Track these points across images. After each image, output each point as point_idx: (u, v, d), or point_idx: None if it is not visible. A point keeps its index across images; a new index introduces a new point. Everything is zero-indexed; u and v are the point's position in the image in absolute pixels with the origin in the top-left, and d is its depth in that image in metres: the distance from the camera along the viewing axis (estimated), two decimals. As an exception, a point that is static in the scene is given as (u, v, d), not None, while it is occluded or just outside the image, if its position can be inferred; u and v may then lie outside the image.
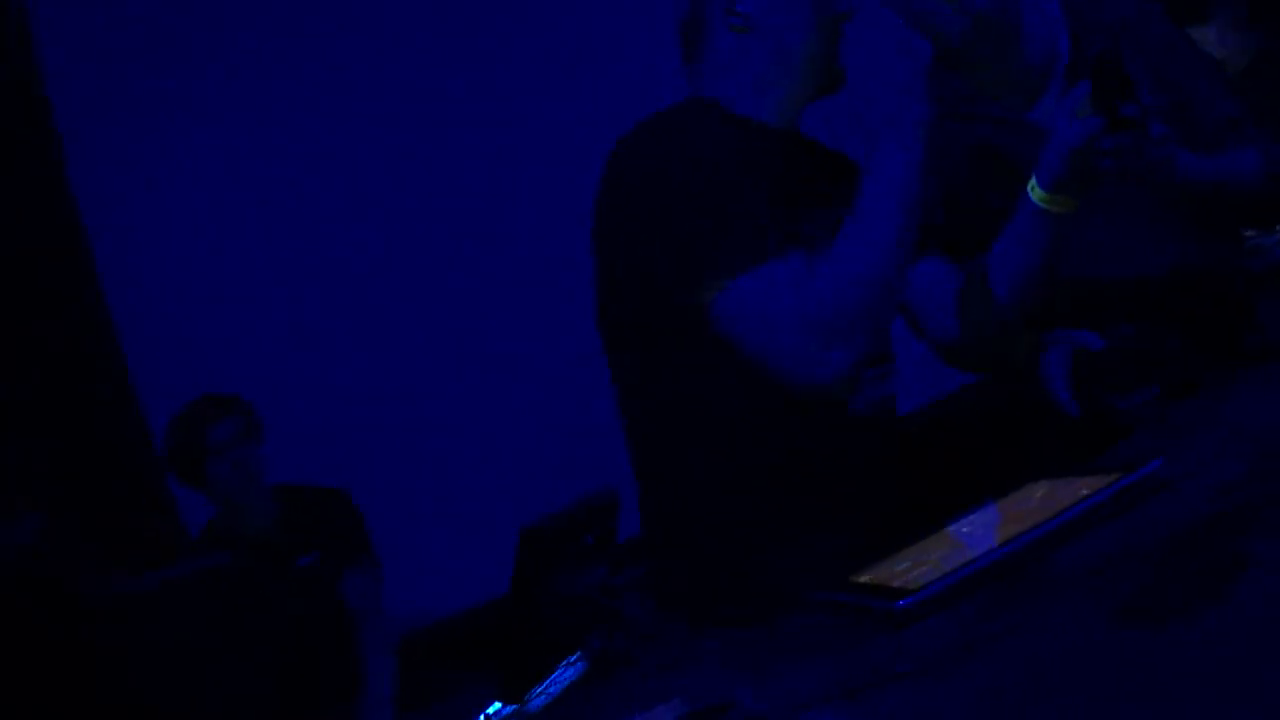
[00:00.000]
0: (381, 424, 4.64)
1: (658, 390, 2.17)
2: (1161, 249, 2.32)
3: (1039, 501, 1.54)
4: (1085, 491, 1.44)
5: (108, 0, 4.63)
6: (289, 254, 4.71)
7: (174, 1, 4.71)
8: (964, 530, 1.58)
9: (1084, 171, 2.02)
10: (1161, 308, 2.29)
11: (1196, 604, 1.07)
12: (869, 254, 1.94)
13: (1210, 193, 2.25)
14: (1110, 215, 2.25)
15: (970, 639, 1.23)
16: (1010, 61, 2.36)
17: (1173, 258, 2.33)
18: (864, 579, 1.55)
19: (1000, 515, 1.57)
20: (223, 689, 1.92)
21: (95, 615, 1.74)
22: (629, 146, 2.11)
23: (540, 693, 2.16)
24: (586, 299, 2.27)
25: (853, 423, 2.11)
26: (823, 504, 2.09)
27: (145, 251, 4.54)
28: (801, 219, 2.10)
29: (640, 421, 2.24)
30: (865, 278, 1.93)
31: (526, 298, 4.78)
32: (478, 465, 4.60)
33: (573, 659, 2.18)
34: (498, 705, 2.27)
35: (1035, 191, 2.08)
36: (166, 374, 4.02)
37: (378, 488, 4.18)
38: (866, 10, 2.22)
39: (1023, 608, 1.26)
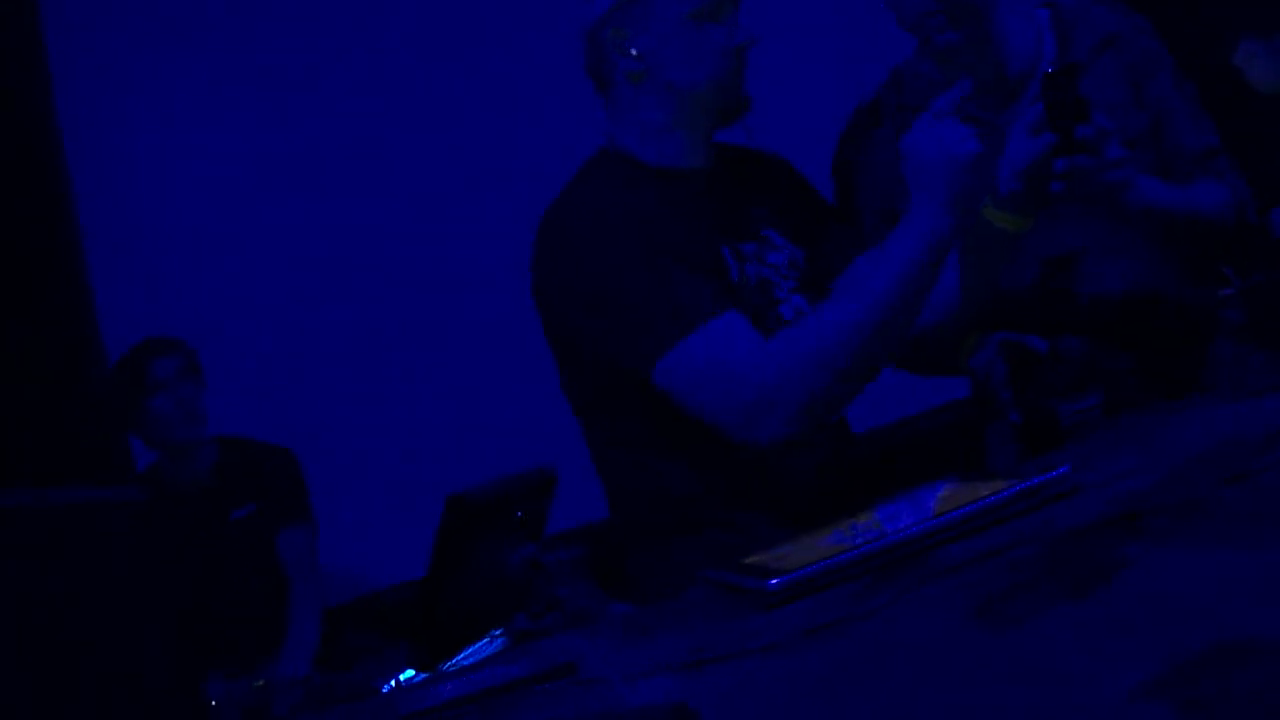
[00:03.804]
0: (341, 397, 4.62)
1: (608, 419, 2.19)
2: (1120, 269, 2.26)
3: (940, 499, 1.48)
4: (985, 492, 1.39)
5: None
6: (262, 223, 4.71)
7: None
8: (860, 522, 1.52)
9: (1035, 190, 1.96)
10: (1114, 327, 2.23)
11: (1056, 604, 1.01)
12: (837, 335, 1.85)
13: (1170, 221, 2.18)
14: (1075, 230, 2.20)
15: (829, 620, 1.18)
16: (988, 59, 2.28)
17: (1131, 280, 2.26)
18: (751, 560, 1.49)
19: (899, 509, 1.51)
20: (112, 627, 1.85)
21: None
22: (554, 223, 2.09)
23: (455, 663, 2.11)
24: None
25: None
26: (758, 518, 2.06)
27: (125, 202, 4.54)
28: (728, 255, 2.07)
29: (594, 433, 2.25)
30: (822, 360, 1.85)
31: (488, 276, 4.76)
32: (433, 445, 4.56)
33: (496, 633, 2.13)
34: (410, 672, 2.22)
35: (986, 209, 2.02)
36: (129, 321, 3.99)
37: (332, 458, 4.16)
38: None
39: (890, 596, 1.20)
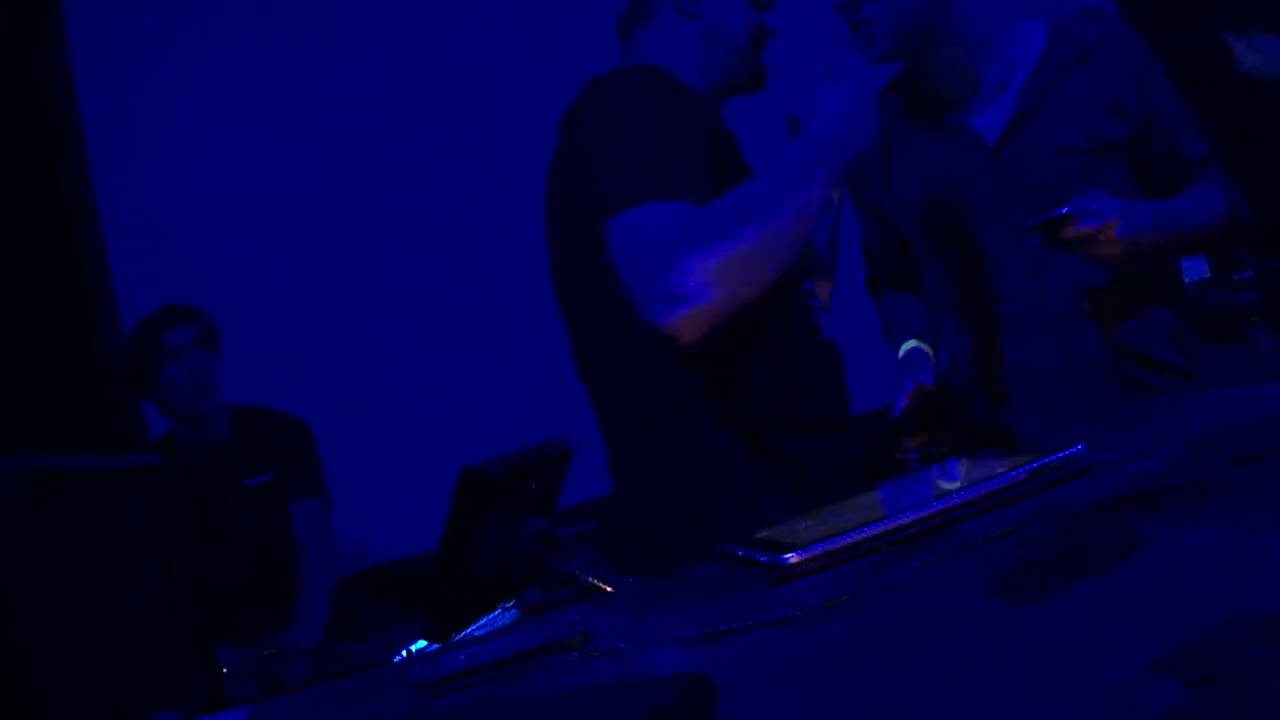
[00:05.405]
0: (357, 369, 4.63)
1: (604, 347, 2.20)
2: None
3: (956, 475, 1.48)
4: (1000, 468, 1.39)
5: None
6: (281, 195, 4.72)
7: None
8: (875, 497, 1.53)
9: None
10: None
11: (1070, 580, 1.02)
12: (748, 224, 1.88)
13: (1167, 240, 2.34)
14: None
15: (845, 595, 1.18)
16: (951, 65, 2.45)
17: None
18: (765, 534, 1.49)
19: (915, 485, 1.52)
20: (127, 591, 1.87)
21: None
22: (598, 83, 2.10)
23: (466, 635, 2.11)
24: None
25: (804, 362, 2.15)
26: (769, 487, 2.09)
27: (142, 173, 4.56)
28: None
29: (591, 371, 2.28)
30: (735, 241, 1.87)
31: (504, 250, 4.77)
32: (447, 416, 4.58)
33: (508, 605, 2.13)
34: (422, 643, 2.22)
35: None
36: (146, 290, 4.01)
37: (347, 429, 4.17)
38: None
39: (905, 571, 1.20)
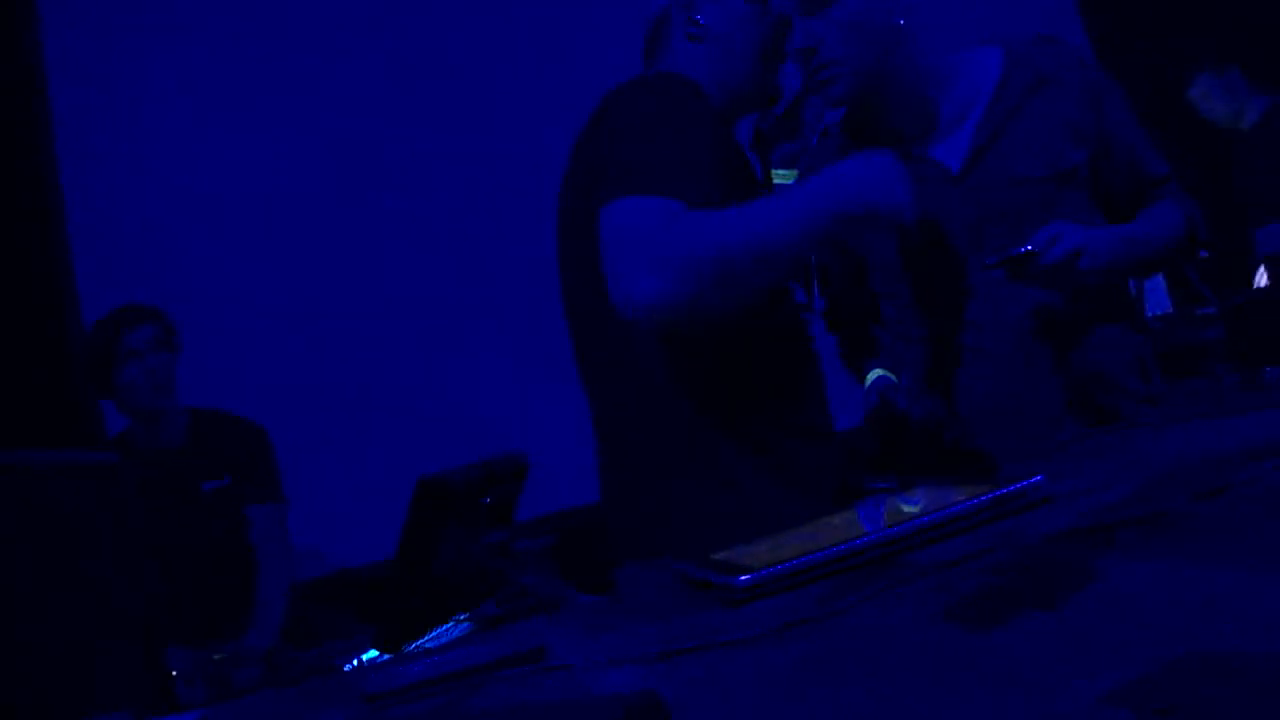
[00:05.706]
0: (319, 376, 4.62)
1: (601, 347, 2.21)
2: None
3: (916, 502, 1.48)
4: (960, 497, 1.39)
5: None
6: (245, 200, 4.73)
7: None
8: (834, 522, 1.53)
9: None
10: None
11: (1027, 610, 1.01)
12: (736, 235, 1.86)
13: (1130, 265, 2.37)
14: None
15: (800, 618, 1.18)
16: (908, 98, 2.45)
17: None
18: (720, 556, 1.49)
19: (874, 511, 1.51)
20: (79, 588, 1.85)
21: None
22: (623, 84, 2.13)
23: (418, 646, 2.10)
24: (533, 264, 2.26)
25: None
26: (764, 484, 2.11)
27: (108, 172, 4.55)
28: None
29: (589, 369, 2.28)
30: (718, 246, 1.85)
31: (468, 261, 4.76)
32: (407, 426, 4.57)
33: (461, 618, 2.12)
34: (374, 652, 2.21)
35: None
36: (109, 289, 4.00)
37: (306, 436, 4.16)
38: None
39: (862, 595, 1.20)
